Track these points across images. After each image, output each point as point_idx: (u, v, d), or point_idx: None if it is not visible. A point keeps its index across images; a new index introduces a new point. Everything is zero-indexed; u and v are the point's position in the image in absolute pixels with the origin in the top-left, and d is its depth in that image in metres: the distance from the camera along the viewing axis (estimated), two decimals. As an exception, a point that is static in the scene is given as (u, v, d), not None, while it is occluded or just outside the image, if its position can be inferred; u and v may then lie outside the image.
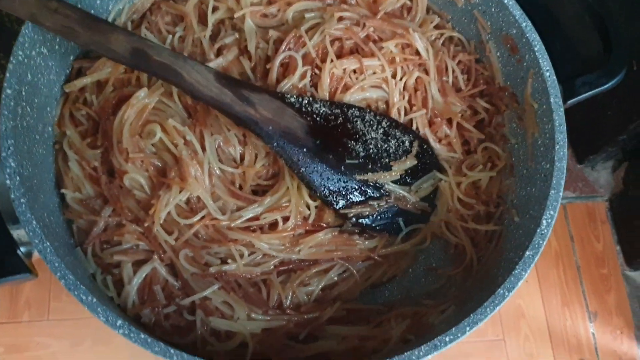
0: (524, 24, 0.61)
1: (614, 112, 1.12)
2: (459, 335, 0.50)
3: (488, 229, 0.63)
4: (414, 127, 0.66)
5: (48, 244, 0.49)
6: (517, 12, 0.62)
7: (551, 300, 1.26)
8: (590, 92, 0.61)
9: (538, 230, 0.54)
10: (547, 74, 0.60)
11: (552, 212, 0.54)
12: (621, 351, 1.23)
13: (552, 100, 0.59)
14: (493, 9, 0.64)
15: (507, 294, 0.51)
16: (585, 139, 1.28)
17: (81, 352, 1.16)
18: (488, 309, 0.51)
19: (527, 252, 0.53)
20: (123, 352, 1.18)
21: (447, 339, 0.50)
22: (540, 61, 0.60)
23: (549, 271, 1.28)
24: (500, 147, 0.66)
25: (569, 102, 0.61)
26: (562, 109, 0.58)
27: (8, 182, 0.50)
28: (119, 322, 0.48)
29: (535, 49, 0.61)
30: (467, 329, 0.50)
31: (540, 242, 0.53)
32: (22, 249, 0.52)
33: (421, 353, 0.49)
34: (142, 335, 0.48)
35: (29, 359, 1.14)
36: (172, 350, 0.47)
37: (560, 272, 1.28)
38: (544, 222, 0.54)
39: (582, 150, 1.33)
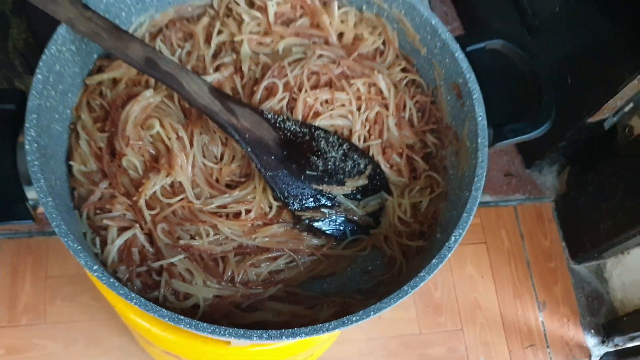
0: (468, 75, 0.73)
1: (554, 121, 1.26)
2: (364, 317, 0.61)
3: (418, 244, 0.75)
4: (370, 153, 0.78)
5: (50, 199, 0.62)
6: (465, 64, 0.74)
7: (504, 292, 1.39)
8: (516, 138, 0.72)
9: (447, 244, 0.65)
10: (480, 118, 0.71)
11: (460, 231, 0.65)
12: (568, 337, 1.34)
13: (479, 140, 0.70)
14: (447, 60, 0.76)
15: (410, 290, 0.62)
16: (531, 146, 1.43)
17: (75, 353, 1.30)
18: (392, 300, 0.62)
19: (434, 260, 0.64)
20: (114, 353, 1.31)
21: (354, 319, 0.61)
22: (476, 107, 0.72)
23: (502, 267, 1.41)
24: (441, 176, 0.78)
25: (497, 144, 0.73)
26: (486, 149, 0.70)
27: (27, 147, 0.63)
28: (95, 267, 0.60)
29: (474, 97, 0.72)
30: (372, 313, 0.61)
31: (446, 253, 0.64)
32: (31, 202, 0.65)
33: (330, 326, 0.60)
34: (112, 280, 0.60)
35: (27, 359, 1.27)
36: (133, 295, 0.60)
37: (512, 267, 1.42)
38: (453, 237, 0.65)
39: (529, 156, 1.49)
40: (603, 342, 1.38)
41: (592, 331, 1.39)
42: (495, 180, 1.46)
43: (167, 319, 0.58)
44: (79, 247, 0.61)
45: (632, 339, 1.29)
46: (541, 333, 1.34)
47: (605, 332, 1.37)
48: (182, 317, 0.58)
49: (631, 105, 1.20)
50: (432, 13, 0.76)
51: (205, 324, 0.58)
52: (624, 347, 1.30)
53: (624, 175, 1.21)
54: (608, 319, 1.38)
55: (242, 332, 0.58)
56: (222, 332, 0.58)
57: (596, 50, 1.18)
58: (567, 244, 1.43)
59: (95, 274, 0.60)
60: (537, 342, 1.34)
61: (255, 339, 0.59)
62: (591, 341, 1.39)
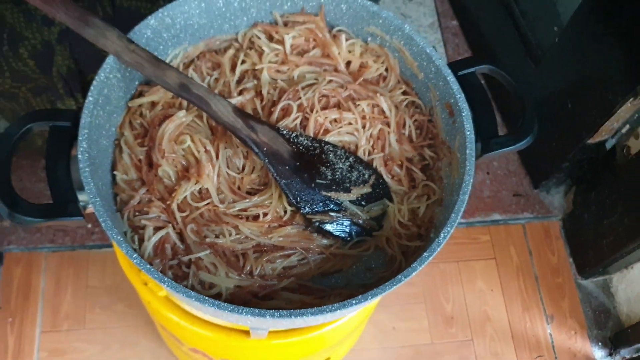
0: (459, 96, 0.83)
1: (557, 143, 1.35)
2: (362, 300, 0.70)
3: (415, 244, 0.84)
4: (373, 165, 0.88)
5: (98, 199, 0.73)
6: (455, 87, 0.84)
7: (513, 305, 1.44)
8: (500, 150, 0.82)
9: (436, 240, 0.74)
10: (468, 133, 0.81)
11: (449, 229, 0.75)
12: (576, 349, 1.40)
13: (467, 152, 0.80)
14: (440, 83, 0.86)
15: (403, 279, 0.71)
16: (538, 167, 1.51)
17: (110, 355, 1.43)
18: (387, 287, 0.71)
19: (425, 253, 0.73)
20: (146, 355, 1.43)
21: (354, 302, 0.70)
22: (465, 123, 0.81)
23: (511, 281, 1.48)
24: (437, 185, 0.87)
25: (484, 156, 0.82)
26: (473, 159, 0.79)
27: (80, 156, 0.75)
28: (135, 255, 0.71)
29: (463, 114, 0.82)
30: (370, 297, 0.70)
31: (436, 247, 0.73)
32: (81, 203, 0.77)
33: (334, 308, 0.69)
34: (148, 266, 0.71)
35: (68, 361, 1.35)
36: (165, 278, 0.70)
37: (521, 281, 1.48)
38: (442, 235, 0.74)
39: (536, 176, 1.56)
40: (610, 354, 1.42)
41: (600, 344, 1.43)
42: (504, 200, 1.54)
43: (194, 299, 0.69)
44: (122, 239, 0.72)
45: (638, 350, 1.34)
46: (549, 345, 1.39)
47: (612, 344, 1.41)
48: (206, 298, 0.69)
49: (627, 127, 1.28)
50: (428, 43, 0.87)
51: (226, 304, 0.69)
52: (630, 358, 1.35)
53: (623, 192, 1.28)
54: (615, 332, 1.43)
55: (257, 311, 0.68)
56: (240, 311, 0.68)
57: (592, 76, 1.27)
58: (573, 259, 1.49)
59: (135, 261, 0.71)
60: (545, 353, 1.39)
61: (268, 317, 0.68)
62: (598, 353, 1.44)
